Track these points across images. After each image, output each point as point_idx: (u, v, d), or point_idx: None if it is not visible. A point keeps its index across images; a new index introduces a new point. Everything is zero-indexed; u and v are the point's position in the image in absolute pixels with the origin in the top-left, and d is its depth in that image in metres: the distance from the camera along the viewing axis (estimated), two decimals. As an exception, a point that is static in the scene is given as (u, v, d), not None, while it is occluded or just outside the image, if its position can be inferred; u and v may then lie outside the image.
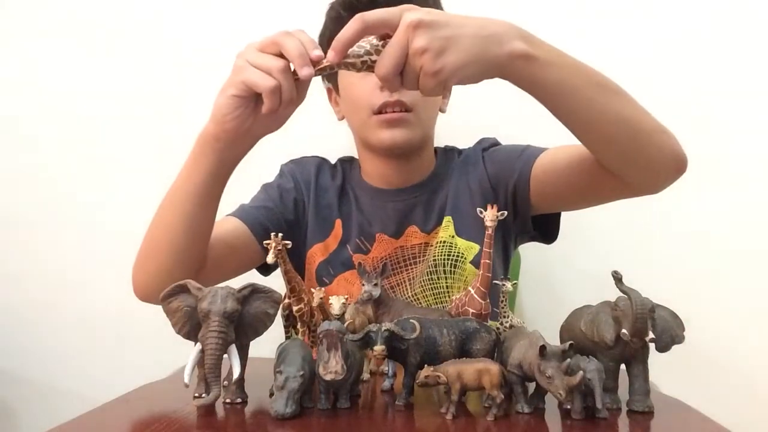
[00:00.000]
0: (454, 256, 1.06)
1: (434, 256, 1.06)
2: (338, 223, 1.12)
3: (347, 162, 1.21)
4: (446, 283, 1.05)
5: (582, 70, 0.78)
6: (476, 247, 1.05)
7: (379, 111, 1.02)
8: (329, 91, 1.17)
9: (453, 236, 1.07)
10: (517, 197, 1.05)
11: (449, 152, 1.19)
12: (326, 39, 1.05)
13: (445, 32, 0.67)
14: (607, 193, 0.95)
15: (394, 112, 1.01)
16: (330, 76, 1.12)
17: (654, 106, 0.83)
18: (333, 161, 1.22)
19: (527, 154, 1.05)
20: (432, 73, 0.68)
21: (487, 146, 1.15)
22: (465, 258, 1.06)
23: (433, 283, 1.05)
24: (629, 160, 0.84)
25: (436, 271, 1.06)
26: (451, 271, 1.06)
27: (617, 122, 0.79)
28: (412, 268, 1.07)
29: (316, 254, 1.11)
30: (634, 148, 0.82)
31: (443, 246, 1.07)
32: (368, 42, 0.71)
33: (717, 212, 1.46)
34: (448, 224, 1.08)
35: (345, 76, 1.06)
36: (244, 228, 1.04)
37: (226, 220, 1.05)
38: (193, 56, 1.58)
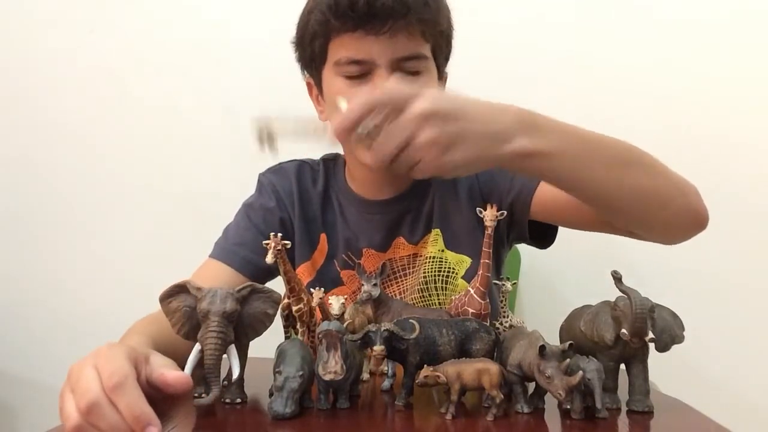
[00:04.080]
0: (445, 271, 1.03)
1: (424, 272, 1.03)
2: (323, 237, 1.07)
3: (331, 161, 1.13)
4: (438, 299, 1.02)
5: (593, 149, 0.74)
6: (467, 261, 1.02)
7: None
8: (309, 86, 1.06)
9: (443, 250, 1.03)
10: (515, 213, 1.00)
11: None
12: (308, 41, 0.97)
13: (453, 127, 0.62)
14: (618, 234, 0.90)
15: None
16: (312, 71, 1.02)
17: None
18: (316, 158, 1.15)
19: None
20: (433, 168, 0.64)
21: None
22: (456, 273, 1.02)
23: (425, 301, 1.02)
24: (643, 226, 0.83)
25: (428, 288, 1.03)
26: (442, 287, 1.02)
27: (632, 195, 0.77)
28: (402, 281, 1.04)
29: (303, 275, 1.05)
30: (650, 217, 0.80)
31: (433, 261, 1.03)
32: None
33: (717, 211, 1.46)
34: (436, 237, 1.04)
35: (331, 82, 0.96)
36: (230, 272, 1.00)
37: (209, 268, 1.01)
38: (191, 55, 1.58)
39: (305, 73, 1.05)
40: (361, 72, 0.92)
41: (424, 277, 1.03)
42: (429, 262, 1.03)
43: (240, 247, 1.03)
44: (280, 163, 1.13)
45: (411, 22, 0.90)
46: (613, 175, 0.75)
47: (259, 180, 1.13)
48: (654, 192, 0.78)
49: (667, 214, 0.80)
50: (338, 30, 0.91)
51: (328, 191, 1.10)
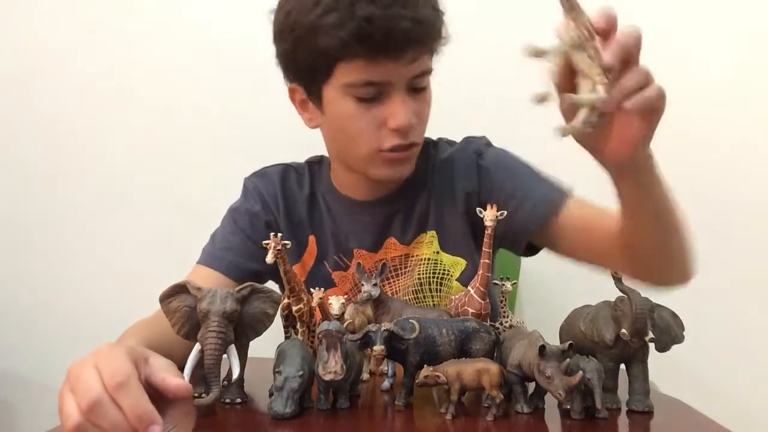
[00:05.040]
0: (439, 273, 1.02)
1: (419, 273, 1.03)
2: (312, 239, 1.06)
3: (316, 163, 1.12)
4: (432, 301, 1.02)
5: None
6: (462, 263, 1.02)
7: (389, 149, 0.93)
8: (293, 91, 0.99)
9: (438, 252, 1.03)
10: (511, 234, 0.96)
11: (427, 146, 1.08)
12: (304, 55, 0.90)
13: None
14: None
15: (403, 150, 0.94)
16: (306, 83, 0.95)
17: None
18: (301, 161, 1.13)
19: (542, 202, 0.95)
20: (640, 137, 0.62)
21: (480, 150, 1.06)
22: (451, 275, 1.02)
23: (419, 302, 1.02)
24: (652, 263, 0.83)
25: (422, 289, 1.02)
26: (437, 289, 1.02)
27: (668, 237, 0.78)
28: (394, 281, 1.04)
29: None
30: (667, 250, 0.81)
31: (428, 263, 1.02)
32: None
33: (716, 211, 1.46)
34: (432, 239, 1.03)
35: (340, 103, 0.91)
36: (218, 276, 0.99)
37: (197, 274, 1.00)
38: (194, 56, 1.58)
39: (288, 79, 0.98)
40: (377, 93, 0.89)
41: (419, 278, 1.02)
42: (423, 263, 1.03)
43: (227, 252, 1.02)
44: (264, 168, 1.13)
45: (426, 43, 0.89)
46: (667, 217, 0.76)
47: (244, 184, 1.12)
48: (680, 236, 0.79)
49: (678, 259, 0.82)
50: (352, 55, 0.87)
51: (314, 193, 1.09)
